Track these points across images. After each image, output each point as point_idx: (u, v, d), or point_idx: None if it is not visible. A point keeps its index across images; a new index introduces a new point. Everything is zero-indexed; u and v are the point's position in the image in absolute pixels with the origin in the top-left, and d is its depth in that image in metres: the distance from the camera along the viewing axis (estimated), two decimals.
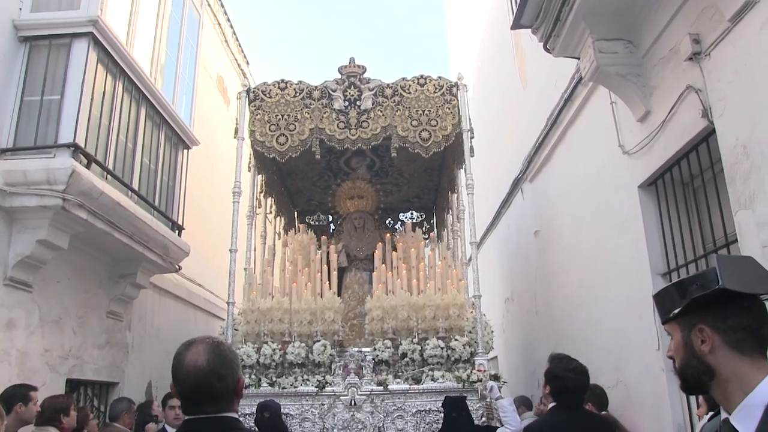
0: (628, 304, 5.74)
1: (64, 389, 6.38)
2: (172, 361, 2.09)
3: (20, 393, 4.83)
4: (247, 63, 13.89)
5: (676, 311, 1.79)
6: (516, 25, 6.23)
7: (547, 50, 6.09)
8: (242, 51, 13.61)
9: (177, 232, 8.04)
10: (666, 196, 5.31)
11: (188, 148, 8.56)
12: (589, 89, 6.57)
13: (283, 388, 6.50)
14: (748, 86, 3.93)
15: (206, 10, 10.04)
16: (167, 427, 6.17)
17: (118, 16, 6.73)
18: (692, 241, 4.94)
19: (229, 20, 12.63)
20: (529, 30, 6.21)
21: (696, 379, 1.76)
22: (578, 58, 5.89)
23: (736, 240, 4.14)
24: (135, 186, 7.01)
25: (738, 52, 4.03)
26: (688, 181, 5.07)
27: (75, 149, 5.79)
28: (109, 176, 6.46)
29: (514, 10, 6.22)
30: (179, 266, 8.23)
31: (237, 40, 13.28)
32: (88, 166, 5.95)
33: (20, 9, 6.13)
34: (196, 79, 9.01)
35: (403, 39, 47.94)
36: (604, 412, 5.33)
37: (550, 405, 4.29)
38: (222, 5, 12.01)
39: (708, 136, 4.51)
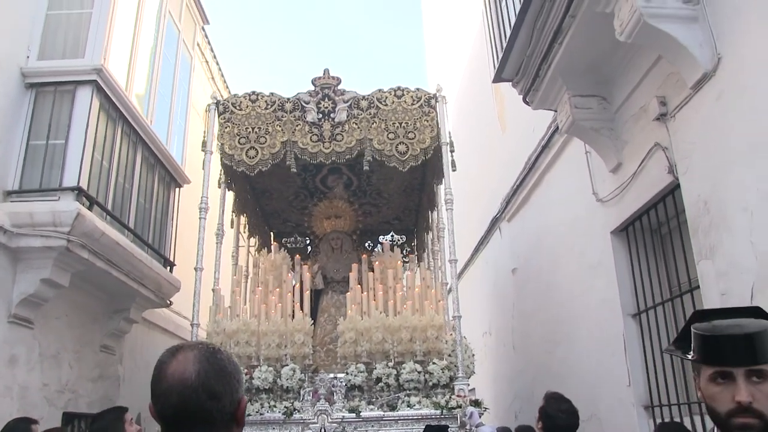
0: (601, 343, 6.12)
1: (60, 422, 6.59)
2: None
3: (22, 427, 5.04)
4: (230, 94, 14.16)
5: None
6: (497, 79, 6.65)
7: (526, 103, 6.52)
8: (227, 86, 13.94)
9: (168, 268, 8.31)
10: (636, 241, 5.70)
11: (180, 186, 8.85)
12: (565, 138, 6.98)
13: (249, 415, 5.98)
14: (709, 149, 4.34)
15: (197, 51, 10.38)
16: None
17: (118, 62, 7.07)
18: (660, 285, 5.32)
19: (215, 56, 12.98)
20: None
21: None
22: (555, 111, 6.33)
23: (699, 286, 4.53)
24: (131, 225, 7.30)
25: (699, 117, 4.45)
26: (657, 229, 5.48)
27: (79, 192, 6.09)
28: (108, 216, 6.73)
29: (495, 64, 6.64)
30: (170, 301, 8.49)
31: (222, 75, 13.62)
32: (90, 208, 6.24)
33: (27, 57, 6.45)
34: (188, 119, 9.34)
35: (381, 58, 48.64)
36: None
37: None
38: (209, 43, 12.35)
39: (674, 189, 4.90)
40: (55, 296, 6.34)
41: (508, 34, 6.14)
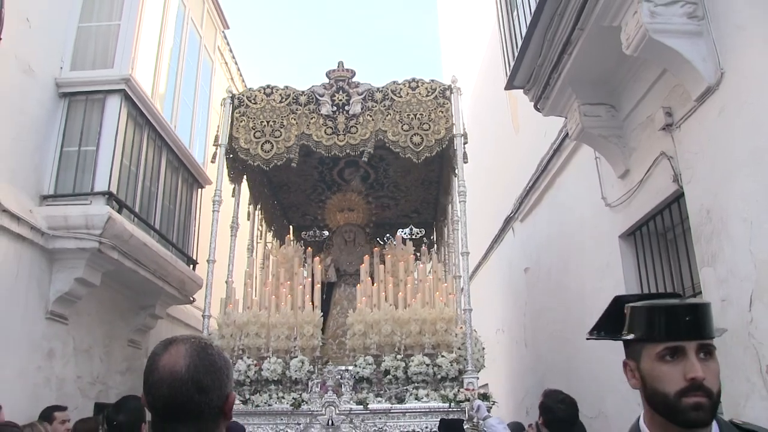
0: (607, 344, 6.28)
1: (92, 412, 6.93)
2: None
3: (45, 414, 5.48)
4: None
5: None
6: (509, 86, 6.88)
7: (537, 109, 6.75)
8: (245, 85, 14.21)
9: (192, 266, 8.61)
10: (644, 246, 5.91)
11: (202, 187, 9.15)
12: (576, 143, 7.19)
13: (257, 405, 6.11)
14: (711, 159, 4.56)
15: (218, 56, 10.67)
16: None
17: (144, 71, 7.36)
18: (665, 289, 5.53)
19: (234, 58, 13.26)
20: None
21: None
22: (566, 118, 6.56)
23: (701, 292, 4.76)
24: (157, 225, 7.60)
25: (703, 128, 4.66)
26: (663, 234, 5.69)
27: (109, 197, 6.39)
28: (135, 218, 7.04)
29: (508, 71, 6.88)
30: (193, 298, 8.80)
31: (241, 75, 13.91)
32: (119, 211, 6.54)
33: (61, 67, 6.76)
34: (209, 121, 9.63)
35: (396, 54, 48.79)
36: None
37: None
38: (228, 45, 12.63)
39: (679, 197, 5.11)
40: (87, 294, 6.67)
41: (519, 44, 6.37)
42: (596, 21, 5.08)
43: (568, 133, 7.00)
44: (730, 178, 4.34)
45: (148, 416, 1.75)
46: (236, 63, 13.42)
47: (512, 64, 6.65)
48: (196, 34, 9.20)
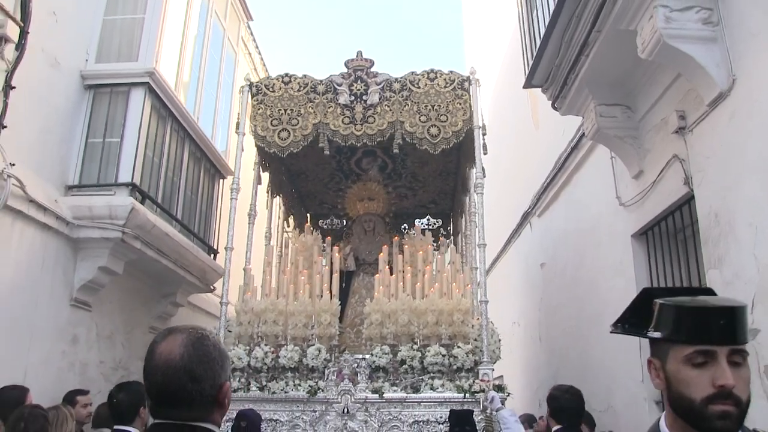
0: (618, 340, 6.33)
1: None
2: None
3: (68, 397, 5.64)
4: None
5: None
6: (528, 84, 6.97)
7: (555, 108, 6.82)
8: (267, 74, 14.31)
9: (212, 255, 8.78)
10: (655, 246, 5.98)
11: (223, 177, 9.31)
12: (592, 142, 7.25)
13: (273, 393, 6.15)
14: (722, 164, 4.62)
15: (241, 47, 10.81)
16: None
17: (168, 63, 7.51)
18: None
19: (257, 47, 13.38)
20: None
21: None
22: (582, 117, 6.62)
23: None
24: (178, 216, 7.77)
25: (714, 133, 4.71)
26: (674, 234, 5.75)
27: (133, 188, 6.56)
28: (158, 209, 7.21)
29: (527, 70, 6.94)
30: (213, 287, 8.97)
31: (264, 65, 14.03)
32: (142, 202, 6.71)
33: (86, 60, 6.92)
34: (232, 112, 9.77)
35: (418, 46, 48.67)
36: None
37: (554, 429, 4.94)
38: (252, 35, 12.75)
39: (690, 199, 5.17)
40: (110, 282, 6.86)
41: (538, 44, 6.43)
42: (613, 24, 5.14)
43: (584, 133, 7.07)
44: (739, 183, 4.40)
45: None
46: (260, 53, 13.52)
47: (531, 63, 6.72)
48: (219, 26, 9.34)
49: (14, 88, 5.59)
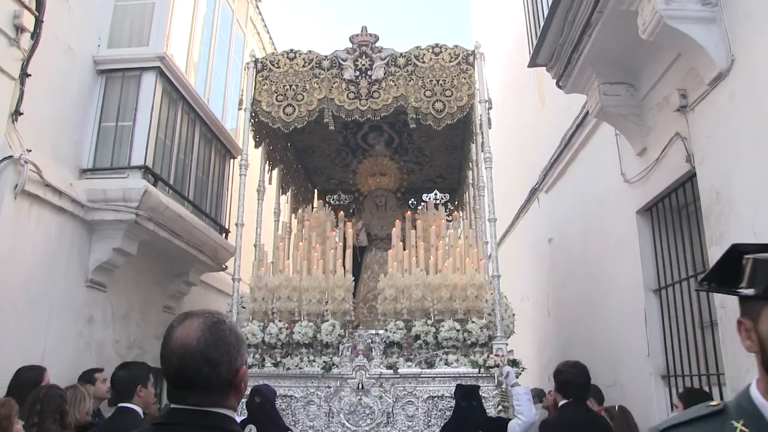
0: (624, 315, 6.56)
1: None
2: None
3: (85, 376, 5.76)
4: None
5: None
6: (532, 63, 7.02)
7: (559, 87, 6.89)
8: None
9: (224, 235, 8.94)
10: (659, 222, 6.09)
11: (234, 157, 9.43)
12: (597, 120, 7.32)
13: (288, 369, 6.18)
14: (721, 143, 4.71)
15: (250, 27, 10.88)
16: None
17: (178, 47, 7.62)
18: (679, 264, 5.71)
19: (266, 26, 13.43)
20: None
21: None
22: (587, 95, 6.69)
23: None
24: (190, 196, 7.91)
25: (714, 112, 4.80)
26: (678, 210, 5.85)
27: (145, 170, 6.70)
28: (170, 190, 7.35)
29: (531, 49, 7.00)
30: (225, 266, 9.14)
31: (273, 44, 14.08)
32: (155, 184, 6.84)
33: (98, 45, 7.03)
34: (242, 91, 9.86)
35: (425, 23, 48.33)
36: (602, 407, 6.05)
37: (561, 403, 5.09)
38: (260, 14, 12.80)
39: (692, 176, 5.27)
40: (124, 263, 7.02)
41: (542, 23, 6.49)
42: (614, 5, 5.21)
43: (589, 111, 7.14)
44: (738, 162, 4.50)
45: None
46: (268, 32, 13.56)
47: (535, 42, 6.78)
48: (228, 8, 9.41)
49: (30, 75, 5.73)
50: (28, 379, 4.88)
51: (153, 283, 8.09)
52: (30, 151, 5.63)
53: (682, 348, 5.61)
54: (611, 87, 6.22)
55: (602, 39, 5.70)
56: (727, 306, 4.60)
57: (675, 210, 5.85)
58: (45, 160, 5.97)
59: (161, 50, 7.04)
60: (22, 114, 5.65)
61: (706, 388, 5.16)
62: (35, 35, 5.81)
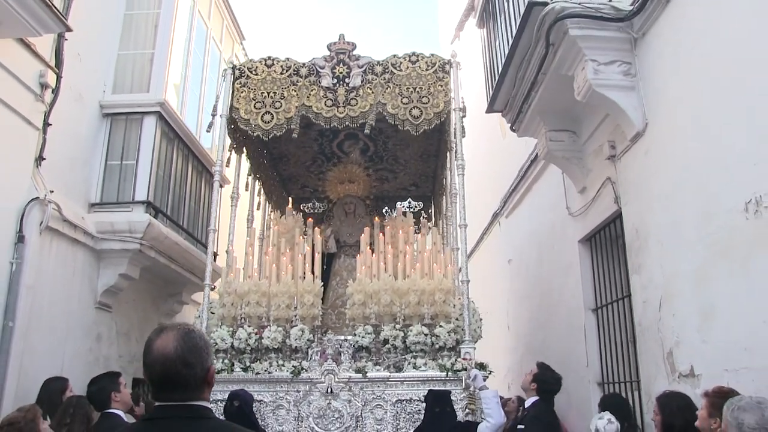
0: (569, 330, 7.53)
1: (131, 385, 8.12)
2: None
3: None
4: None
5: None
6: (490, 110, 8.00)
7: (513, 130, 7.85)
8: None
9: (213, 258, 9.74)
10: (598, 250, 7.04)
11: (221, 186, 10.25)
12: None
13: (257, 373, 6.20)
14: (640, 189, 5.68)
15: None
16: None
17: (173, 89, 8.48)
18: (613, 287, 6.65)
19: (246, 55, 14.28)
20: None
21: None
22: (536, 139, 7.66)
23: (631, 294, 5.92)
24: (184, 225, 8.76)
25: (635, 163, 5.77)
26: (611, 241, 6.80)
27: (148, 205, 7.55)
28: (168, 221, 8.20)
29: (488, 97, 7.96)
30: (214, 286, 9.94)
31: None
32: (155, 216, 7.69)
33: (104, 91, 7.86)
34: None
35: (395, 30, 49.21)
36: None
37: (531, 399, 5.99)
38: (244, 49, 13.64)
39: (620, 215, 6.23)
40: (127, 286, 7.85)
41: (497, 77, 7.45)
42: (555, 69, 6.17)
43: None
44: (650, 205, 5.46)
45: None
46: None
47: (492, 92, 7.74)
48: (216, 49, 10.28)
49: (51, 125, 6.57)
50: (55, 389, 5.74)
51: (150, 303, 8.93)
52: (52, 192, 6.46)
53: (614, 359, 6.58)
54: (556, 134, 7.17)
55: (547, 95, 6.65)
56: (643, 324, 5.58)
57: (610, 240, 6.80)
58: (61, 197, 6.77)
59: (161, 96, 7.89)
60: (45, 159, 6.48)
61: (630, 394, 6.11)
62: (56, 90, 6.65)
